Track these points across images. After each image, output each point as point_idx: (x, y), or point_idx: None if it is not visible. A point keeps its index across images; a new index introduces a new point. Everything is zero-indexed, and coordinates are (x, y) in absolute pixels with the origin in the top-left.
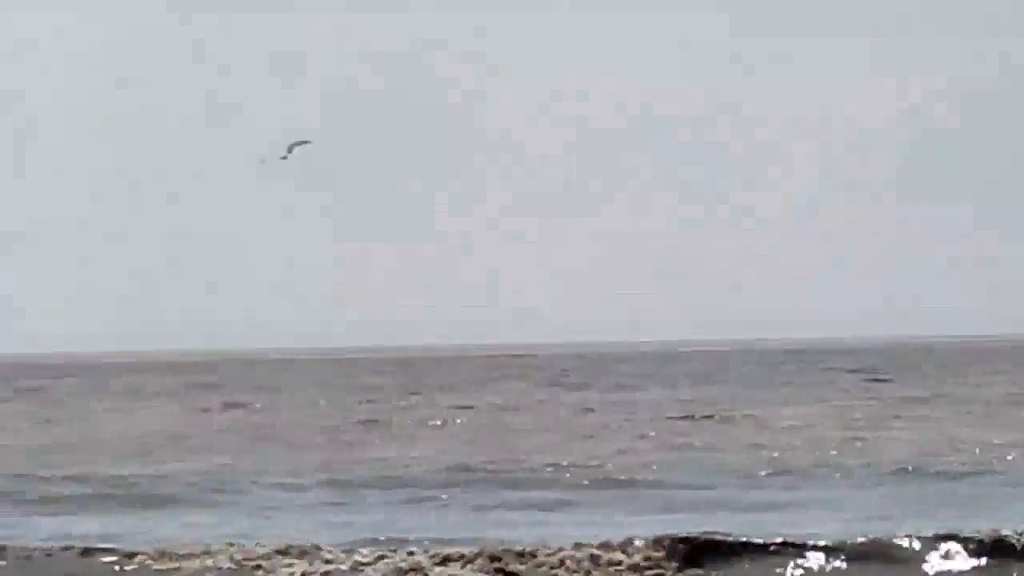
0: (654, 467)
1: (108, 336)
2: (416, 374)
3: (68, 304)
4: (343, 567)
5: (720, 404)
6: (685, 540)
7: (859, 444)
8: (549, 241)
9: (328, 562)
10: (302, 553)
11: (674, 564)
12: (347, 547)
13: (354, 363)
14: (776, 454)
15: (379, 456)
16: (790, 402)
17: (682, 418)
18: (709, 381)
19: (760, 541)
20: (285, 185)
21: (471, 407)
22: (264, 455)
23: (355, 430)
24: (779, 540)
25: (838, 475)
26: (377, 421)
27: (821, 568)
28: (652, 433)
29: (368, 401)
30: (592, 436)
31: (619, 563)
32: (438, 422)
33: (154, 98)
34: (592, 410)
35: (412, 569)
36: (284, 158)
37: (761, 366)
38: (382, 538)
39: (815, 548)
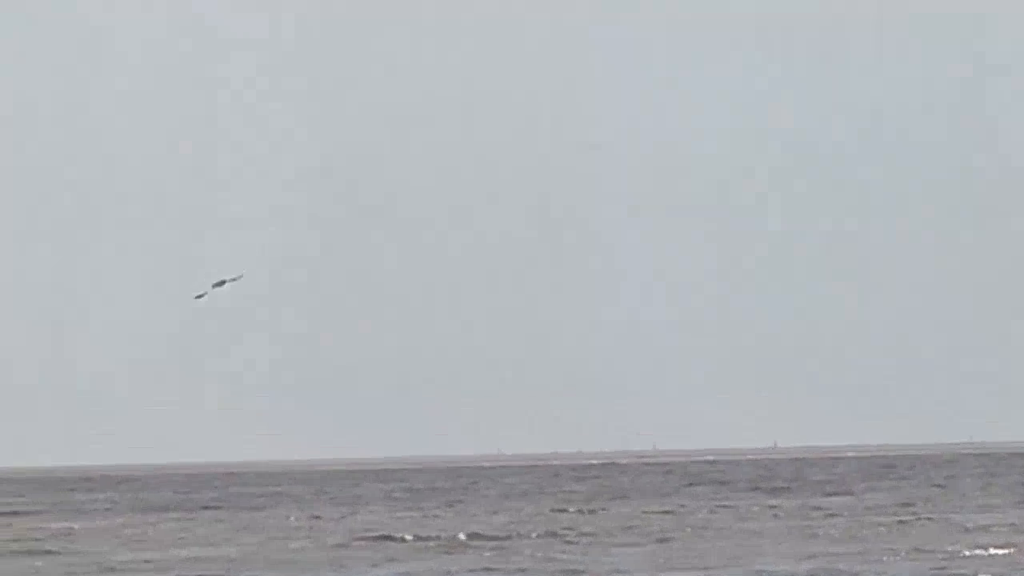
0: (852, 570)
1: (313, 445)
2: (615, 480)
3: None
4: None
5: (919, 508)
6: None
7: None
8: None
9: None
10: None
11: None
12: None
13: (556, 469)
14: (974, 558)
15: (574, 563)
16: (992, 506)
17: (879, 522)
18: (910, 484)
19: None
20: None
21: (671, 512)
22: (465, 562)
23: (552, 536)
24: None
25: None
26: (577, 528)
27: None
28: (851, 536)
29: (562, 510)
30: (792, 539)
31: None
32: (639, 528)
33: None
34: (792, 514)
35: None
36: (220, 284)
37: (964, 468)
38: None
39: None
